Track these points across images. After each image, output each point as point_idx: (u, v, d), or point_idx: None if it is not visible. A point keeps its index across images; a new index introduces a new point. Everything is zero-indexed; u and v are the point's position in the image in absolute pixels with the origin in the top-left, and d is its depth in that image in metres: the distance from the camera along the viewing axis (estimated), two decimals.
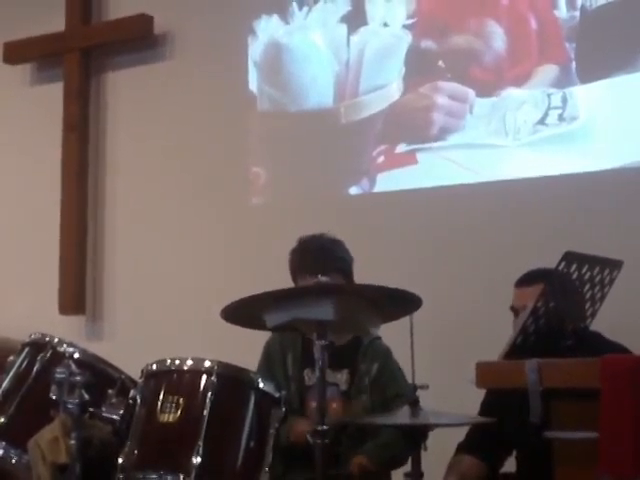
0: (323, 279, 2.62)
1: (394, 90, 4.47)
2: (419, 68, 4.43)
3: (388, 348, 3.27)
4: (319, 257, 3.18)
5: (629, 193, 3.90)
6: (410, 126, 4.42)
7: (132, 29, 5.08)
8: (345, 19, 4.61)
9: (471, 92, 4.29)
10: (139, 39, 5.08)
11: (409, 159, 4.41)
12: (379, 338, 3.26)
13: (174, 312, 4.78)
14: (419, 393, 2.58)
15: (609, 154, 3.98)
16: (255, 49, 4.83)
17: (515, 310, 3.05)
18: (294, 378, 3.21)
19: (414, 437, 2.54)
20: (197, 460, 2.53)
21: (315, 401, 2.81)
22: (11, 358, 3.03)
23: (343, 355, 3.17)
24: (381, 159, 4.48)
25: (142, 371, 2.78)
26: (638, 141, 3.94)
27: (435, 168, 4.34)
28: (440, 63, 4.39)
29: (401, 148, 4.43)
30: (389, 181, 4.45)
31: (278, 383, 3.13)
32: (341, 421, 3.05)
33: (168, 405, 2.64)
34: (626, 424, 1.97)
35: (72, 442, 2.66)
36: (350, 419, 3.09)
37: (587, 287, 2.63)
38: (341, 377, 3.19)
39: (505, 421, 2.76)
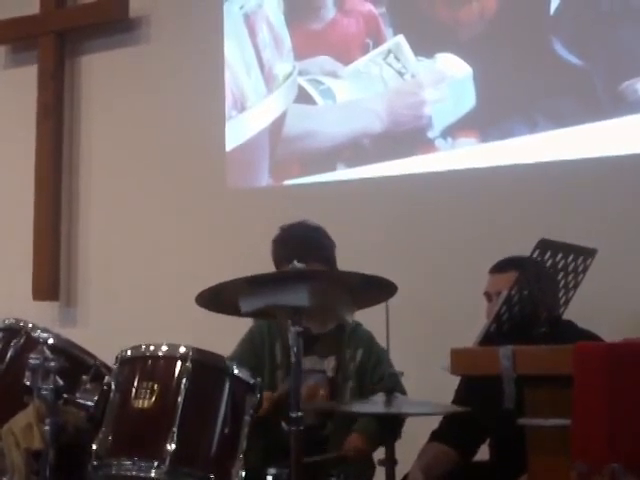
0: (299, 265, 2.62)
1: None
2: None
3: (370, 333, 3.27)
4: (301, 246, 3.17)
5: (603, 182, 3.92)
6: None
7: (107, 12, 5.05)
8: None
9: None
10: (114, 22, 5.05)
11: None
12: (360, 324, 3.26)
13: (148, 298, 4.77)
14: None
15: (585, 143, 4.01)
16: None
17: (489, 296, 3.08)
18: (282, 365, 3.21)
19: (389, 425, 2.56)
20: (171, 446, 2.52)
21: (302, 387, 2.83)
22: None
23: (330, 342, 3.18)
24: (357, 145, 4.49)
25: (117, 357, 2.77)
26: (612, 132, 3.97)
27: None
28: None
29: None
30: (363, 168, 4.46)
31: (263, 370, 3.16)
32: (318, 408, 3.06)
33: (143, 391, 2.63)
34: (598, 411, 1.98)
35: (46, 428, 2.65)
36: (327, 406, 3.10)
37: (561, 275, 2.64)
38: (328, 364, 3.20)
39: (479, 408, 2.77)
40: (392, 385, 2.56)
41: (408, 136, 4.37)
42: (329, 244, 3.26)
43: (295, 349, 2.55)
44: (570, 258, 2.62)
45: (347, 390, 3.17)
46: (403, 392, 3.00)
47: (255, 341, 3.29)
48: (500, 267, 3.08)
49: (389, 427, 2.52)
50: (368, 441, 3.02)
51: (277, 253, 3.25)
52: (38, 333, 2.93)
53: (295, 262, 2.68)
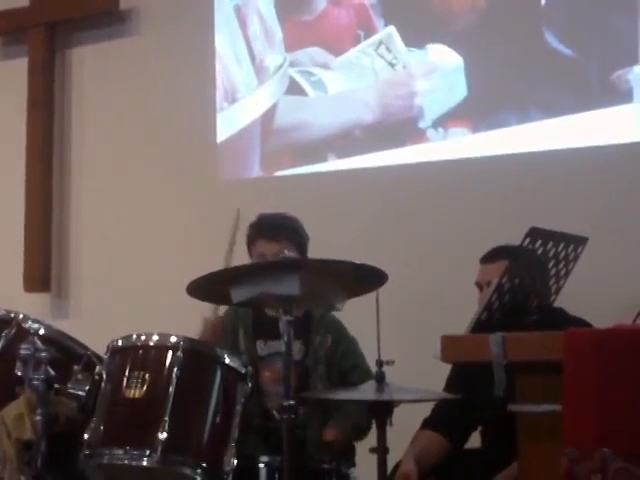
0: (289, 254, 2.63)
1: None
2: None
3: (339, 320, 3.29)
4: (272, 225, 3.23)
5: (594, 171, 3.93)
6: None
7: (98, 4, 5.04)
8: None
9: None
10: (105, 14, 5.04)
11: None
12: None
13: (140, 289, 4.76)
14: (385, 368, 2.60)
15: (576, 133, 4.01)
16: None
17: (479, 286, 3.09)
18: (247, 350, 3.22)
19: (380, 413, 2.56)
20: (163, 436, 2.53)
21: (268, 371, 2.85)
22: None
23: (296, 326, 3.15)
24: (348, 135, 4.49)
25: (108, 347, 2.77)
26: (604, 122, 3.97)
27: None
28: None
29: None
30: (354, 158, 4.46)
31: None
32: (308, 397, 3.06)
33: (134, 381, 2.63)
34: (588, 396, 1.99)
35: (38, 418, 2.65)
36: (315, 394, 3.09)
37: (552, 263, 2.65)
38: (294, 348, 3.19)
39: (470, 395, 2.78)
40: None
41: (399, 127, 4.37)
42: (302, 233, 3.28)
43: (286, 338, 2.56)
44: (561, 246, 2.62)
45: (317, 375, 3.18)
46: None
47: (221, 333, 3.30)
48: (490, 257, 3.09)
49: (378, 414, 2.52)
50: (341, 433, 3.03)
51: (249, 234, 3.30)
52: (29, 324, 2.92)
53: (286, 251, 2.68)
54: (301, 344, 3.20)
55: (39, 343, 2.70)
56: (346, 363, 3.21)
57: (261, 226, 3.27)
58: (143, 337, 2.74)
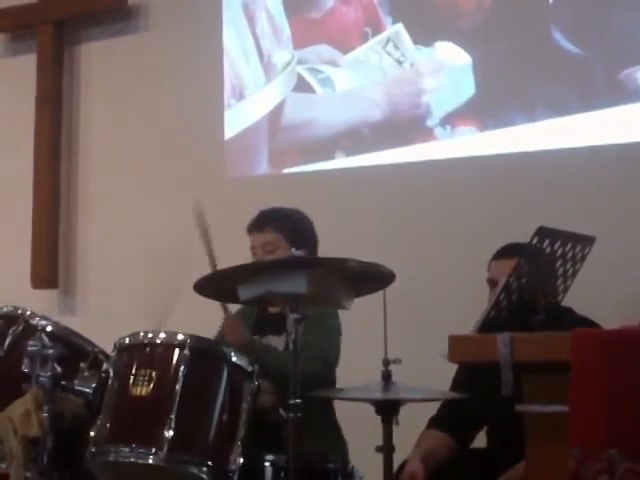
0: (297, 253, 2.62)
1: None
2: None
3: (321, 309, 3.12)
4: (261, 215, 3.26)
5: (602, 170, 3.92)
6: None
7: (106, 0, 5.04)
8: None
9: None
10: (113, 10, 5.04)
11: None
12: None
13: (147, 286, 4.75)
14: (392, 367, 2.60)
15: (583, 131, 4.00)
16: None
17: (494, 282, 3.04)
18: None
19: (386, 411, 2.56)
20: (169, 433, 2.53)
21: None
22: None
23: (278, 320, 3.12)
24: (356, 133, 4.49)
25: (115, 344, 2.77)
26: (611, 120, 3.96)
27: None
28: None
29: None
30: (362, 156, 4.46)
31: None
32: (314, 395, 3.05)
33: (141, 378, 2.63)
34: (595, 397, 1.99)
35: (44, 415, 2.66)
36: (316, 393, 3.07)
37: (559, 263, 2.64)
38: (278, 340, 3.17)
39: (476, 395, 2.78)
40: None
41: (407, 124, 4.37)
42: (293, 222, 3.24)
43: (293, 336, 2.55)
44: (568, 246, 2.62)
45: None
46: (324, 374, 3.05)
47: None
48: (505, 253, 3.06)
49: (385, 413, 2.52)
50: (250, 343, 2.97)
51: (247, 231, 3.30)
52: (36, 320, 2.93)
53: (293, 250, 2.68)
54: (286, 337, 3.17)
55: (46, 340, 2.71)
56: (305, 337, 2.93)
57: (251, 220, 3.29)
58: (150, 335, 2.74)
